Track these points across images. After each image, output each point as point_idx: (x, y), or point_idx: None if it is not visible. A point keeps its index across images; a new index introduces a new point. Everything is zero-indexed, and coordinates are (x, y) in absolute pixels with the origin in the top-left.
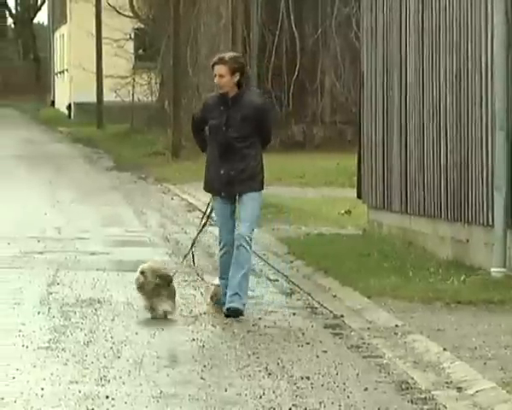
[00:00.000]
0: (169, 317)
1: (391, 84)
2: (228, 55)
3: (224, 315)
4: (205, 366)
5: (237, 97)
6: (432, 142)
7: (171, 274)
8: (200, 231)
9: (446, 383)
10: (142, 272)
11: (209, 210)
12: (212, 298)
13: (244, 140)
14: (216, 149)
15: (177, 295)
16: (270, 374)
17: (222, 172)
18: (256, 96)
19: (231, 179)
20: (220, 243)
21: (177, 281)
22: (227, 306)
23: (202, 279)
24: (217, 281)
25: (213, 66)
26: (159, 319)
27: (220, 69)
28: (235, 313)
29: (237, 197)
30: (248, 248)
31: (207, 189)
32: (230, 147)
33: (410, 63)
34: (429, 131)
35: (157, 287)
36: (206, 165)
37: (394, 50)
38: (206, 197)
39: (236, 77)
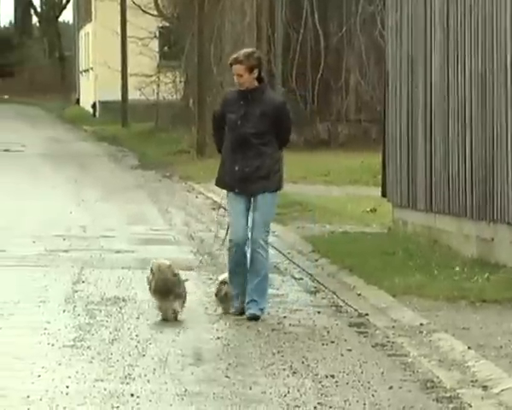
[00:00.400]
0: (178, 318)
1: (416, 82)
2: (242, 53)
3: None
4: (229, 365)
5: (257, 93)
6: (457, 140)
7: (181, 272)
8: (227, 232)
9: (471, 381)
10: (154, 270)
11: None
12: (216, 295)
13: (261, 137)
14: (232, 143)
15: (187, 295)
16: (294, 373)
17: (236, 168)
18: (277, 94)
19: (246, 176)
20: (231, 240)
21: (202, 279)
22: (247, 313)
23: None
24: (223, 277)
25: (231, 66)
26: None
27: (237, 69)
28: (253, 319)
29: (251, 197)
30: (264, 253)
31: (221, 184)
32: (246, 142)
33: (435, 62)
34: (454, 129)
35: (166, 286)
36: (221, 160)
37: (419, 49)
38: None
39: (255, 73)
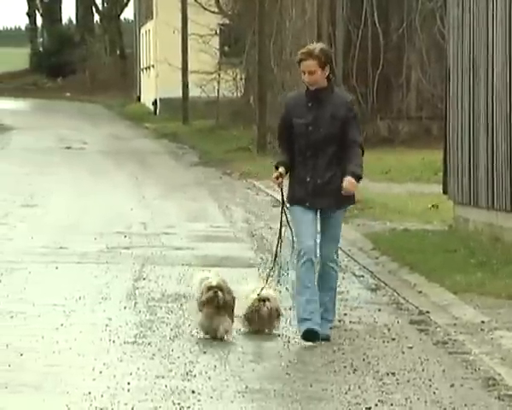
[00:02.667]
0: (226, 337)
1: (477, 80)
2: (317, 47)
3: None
4: (290, 362)
5: (327, 92)
6: None
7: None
8: (280, 245)
9: None
10: (218, 287)
11: (284, 218)
12: (247, 315)
13: (333, 142)
14: (302, 151)
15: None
16: (355, 370)
17: (308, 179)
18: (344, 92)
19: (318, 189)
20: (299, 252)
21: (263, 276)
22: (320, 331)
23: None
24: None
25: (300, 62)
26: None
27: (310, 65)
28: (324, 340)
29: (319, 211)
30: (336, 268)
31: (292, 201)
32: (318, 149)
33: (497, 59)
34: None
35: (224, 304)
36: (291, 176)
37: (481, 46)
38: None
39: (327, 71)
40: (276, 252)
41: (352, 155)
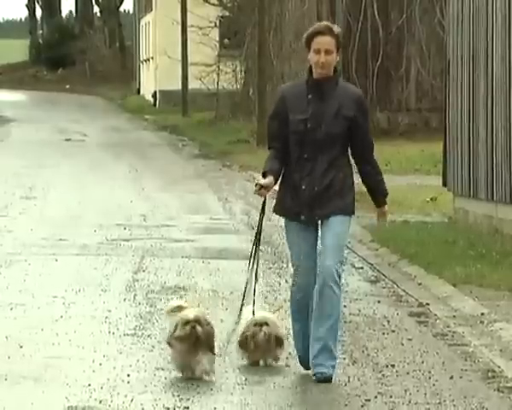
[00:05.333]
0: (206, 378)
1: (477, 72)
2: (334, 26)
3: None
4: (290, 354)
5: (331, 84)
6: None
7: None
8: (255, 256)
9: None
10: (196, 321)
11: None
12: (241, 344)
13: (335, 143)
14: (298, 153)
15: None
16: (355, 362)
17: (303, 186)
18: (351, 85)
19: (315, 197)
20: (295, 282)
21: (263, 269)
22: (314, 371)
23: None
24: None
25: (314, 37)
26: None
27: (329, 42)
28: (325, 381)
29: (320, 221)
30: (337, 288)
31: (281, 211)
32: (317, 151)
33: (497, 51)
34: None
35: (202, 339)
36: (282, 179)
37: (481, 38)
38: None
39: (338, 56)
40: (254, 270)
41: (372, 172)
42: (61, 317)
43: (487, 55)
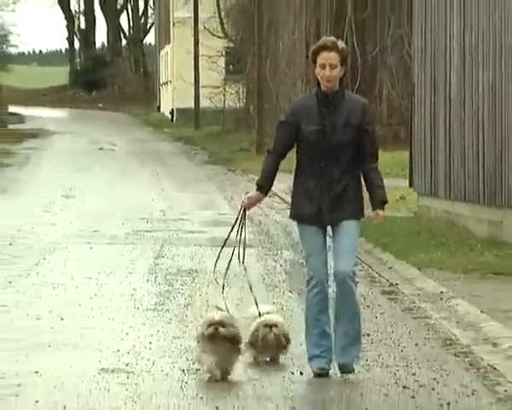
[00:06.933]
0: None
1: (437, 94)
2: (339, 41)
3: (316, 374)
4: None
5: (339, 96)
6: (471, 140)
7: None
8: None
9: (483, 339)
10: (220, 323)
11: (239, 222)
12: (253, 342)
13: (347, 150)
14: (313, 162)
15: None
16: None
17: (319, 192)
18: (355, 95)
19: (332, 203)
20: (311, 280)
21: (260, 255)
22: (339, 362)
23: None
24: (268, 308)
25: (320, 52)
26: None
27: (332, 58)
28: (349, 372)
29: (331, 225)
30: (354, 285)
31: (297, 217)
32: (332, 159)
33: (454, 76)
34: (469, 131)
35: (227, 340)
36: (295, 186)
37: (441, 66)
38: (284, 184)
39: (343, 71)
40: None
41: (375, 178)
42: (95, 295)
43: (446, 80)
